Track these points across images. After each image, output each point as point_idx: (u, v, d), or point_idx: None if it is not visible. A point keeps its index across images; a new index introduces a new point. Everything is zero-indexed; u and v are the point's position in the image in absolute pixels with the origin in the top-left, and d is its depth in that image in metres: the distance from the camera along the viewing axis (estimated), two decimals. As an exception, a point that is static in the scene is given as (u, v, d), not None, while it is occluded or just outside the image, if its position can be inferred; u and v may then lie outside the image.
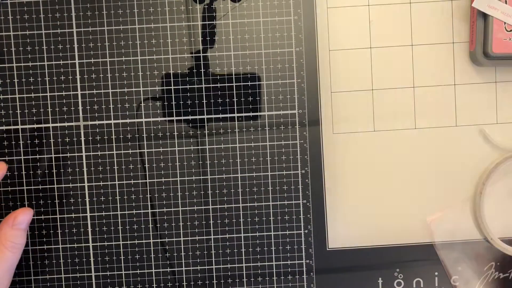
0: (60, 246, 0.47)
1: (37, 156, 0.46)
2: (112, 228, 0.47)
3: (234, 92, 0.47)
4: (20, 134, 0.46)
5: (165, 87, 0.47)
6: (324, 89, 0.47)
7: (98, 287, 0.47)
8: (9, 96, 0.46)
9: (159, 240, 0.47)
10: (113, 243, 0.47)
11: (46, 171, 0.46)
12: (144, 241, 0.47)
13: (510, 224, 0.48)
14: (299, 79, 0.46)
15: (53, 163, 0.46)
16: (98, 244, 0.47)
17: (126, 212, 0.47)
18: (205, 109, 0.47)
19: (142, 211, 0.47)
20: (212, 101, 0.47)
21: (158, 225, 0.47)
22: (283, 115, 0.47)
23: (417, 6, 0.47)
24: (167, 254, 0.47)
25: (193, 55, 0.46)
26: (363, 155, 0.48)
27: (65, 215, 0.47)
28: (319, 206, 0.47)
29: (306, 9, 0.46)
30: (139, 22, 0.45)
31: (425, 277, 0.48)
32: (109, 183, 0.47)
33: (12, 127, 0.46)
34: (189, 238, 0.47)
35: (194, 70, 0.47)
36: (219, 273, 0.47)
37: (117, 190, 0.47)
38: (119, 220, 0.47)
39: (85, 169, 0.47)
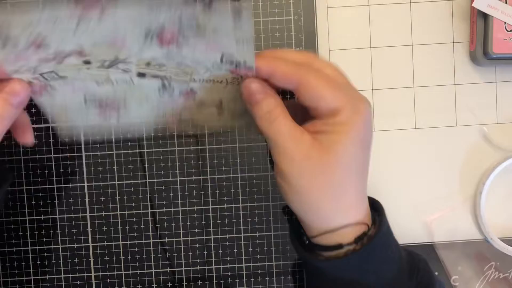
0: (60, 246, 0.47)
1: (37, 156, 0.46)
2: (112, 228, 0.47)
3: (234, 92, 0.47)
4: (20, 134, 0.46)
5: (165, 87, 0.46)
6: (324, 89, 0.47)
7: (98, 287, 0.47)
8: (9, 96, 0.46)
9: (159, 240, 0.47)
10: (113, 243, 0.47)
11: (46, 171, 0.46)
12: (144, 241, 0.47)
13: (510, 224, 0.48)
14: (299, 79, 0.46)
15: (53, 163, 0.46)
16: (98, 244, 0.47)
17: (126, 212, 0.47)
18: (205, 109, 0.47)
19: (142, 211, 0.47)
20: (212, 101, 0.47)
21: (158, 225, 0.47)
22: (283, 115, 0.47)
23: (417, 6, 0.47)
24: (167, 254, 0.47)
25: (193, 55, 0.47)
26: (363, 155, 0.48)
27: (65, 215, 0.47)
28: (319, 206, 0.47)
29: (306, 9, 0.46)
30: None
31: (425, 277, 0.48)
32: (109, 183, 0.47)
33: (12, 127, 0.46)
34: (189, 238, 0.47)
35: (194, 70, 0.47)
36: (219, 273, 0.47)
37: (117, 190, 0.47)
38: (119, 220, 0.47)
39: (85, 169, 0.47)
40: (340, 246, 0.34)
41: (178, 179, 0.47)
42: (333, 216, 0.34)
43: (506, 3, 0.43)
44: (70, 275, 0.47)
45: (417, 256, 0.38)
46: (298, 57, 0.35)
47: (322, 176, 0.33)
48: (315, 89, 0.33)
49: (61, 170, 0.46)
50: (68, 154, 0.46)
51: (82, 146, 0.46)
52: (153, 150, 0.47)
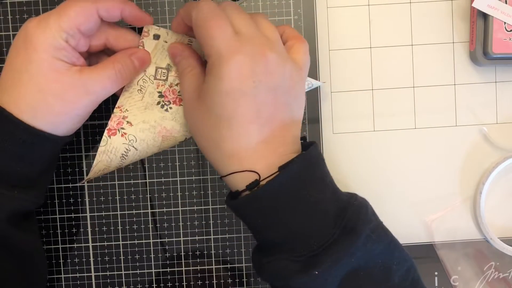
0: (60, 246, 0.47)
1: (37, 156, 0.46)
2: (112, 228, 0.47)
3: (234, 92, 0.47)
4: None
5: (165, 87, 0.47)
6: (324, 89, 0.47)
7: (98, 287, 0.47)
8: (9, 96, 0.46)
9: (159, 240, 0.47)
10: (113, 243, 0.47)
11: (46, 171, 0.46)
12: (144, 241, 0.47)
13: (510, 224, 0.48)
14: (299, 79, 0.46)
15: (53, 163, 0.46)
16: (98, 244, 0.47)
17: (126, 212, 0.47)
18: (205, 109, 0.47)
19: (142, 211, 0.47)
20: (212, 101, 0.47)
21: (158, 225, 0.47)
22: (283, 115, 0.47)
23: (417, 6, 0.47)
24: (167, 254, 0.47)
25: (193, 55, 0.47)
26: (363, 155, 0.48)
27: (65, 215, 0.47)
28: (319, 206, 0.47)
29: (306, 9, 0.46)
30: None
31: (425, 277, 0.48)
32: (109, 183, 0.47)
33: (12, 127, 0.46)
34: (189, 238, 0.47)
35: (194, 70, 0.47)
36: (219, 272, 0.47)
37: (117, 190, 0.47)
38: (119, 220, 0.47)
39: (84, 169, 0.47)
40: (237, 192, 0.37)
41: (178, 179, 0.47)
42: (219, 163, 0.37)
43: (506, 3, 0.43)
44: (70, 275, 0.47)
45: (352, 201, 0.37)
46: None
47: (201, 123, 0.37)
48: (202, 38, 0.36)
49: (61, 170, 0.46)
50: (68, 154, 0.46)
51: (82, 146, 0.46)
52: (153, 150, 0.47)
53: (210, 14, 0.36)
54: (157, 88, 0.42)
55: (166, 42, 0.42)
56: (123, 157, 0.42)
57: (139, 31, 0.43)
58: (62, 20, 0.37)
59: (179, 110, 0.42)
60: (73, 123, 0.39)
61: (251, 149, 0.36)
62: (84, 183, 0.44)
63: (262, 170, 0.36)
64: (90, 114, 0.40)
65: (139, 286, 0.47)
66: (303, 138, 0.40)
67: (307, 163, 0.36)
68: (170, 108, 0.42)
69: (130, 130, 0.41)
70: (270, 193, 0.35)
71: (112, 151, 0.41)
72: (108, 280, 0.47)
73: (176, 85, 0.42)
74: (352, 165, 0.48)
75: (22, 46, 0.37)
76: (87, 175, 0.47)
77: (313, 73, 0.46)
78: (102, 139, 0.41)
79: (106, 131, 0.41)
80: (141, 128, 0.41)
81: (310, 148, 0.37)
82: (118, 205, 0.47)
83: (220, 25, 0.35)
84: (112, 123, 0.41)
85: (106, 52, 0.42)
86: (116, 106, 0.42)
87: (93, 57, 0.42)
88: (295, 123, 0.38)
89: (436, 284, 0.48)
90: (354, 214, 0.36)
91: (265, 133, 0.36)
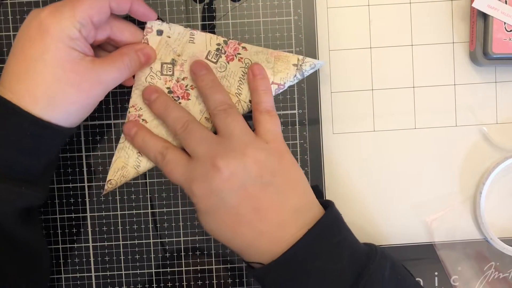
0: (60, 246, 0.47)
1: (37, 156, 0.46)
2: (112, 228, 0.47)
3: (234, 92, 0.47)
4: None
5: (165, 87, 0.47)
6: (324, 89, 0.47)
7: (98, 287, 0.47)
8: (9, 96, 0.46)
9: (159, 240, 0.47)
10: (113, 243, 0.47)
11: (46, 171, 0.46)
12: (144, 241, 0.47)
13: (510, 224, 0.48)
14: (299, 79, 0.46)
15: (53, 163, 0.46)
16: (98, 244, 0.47)
17: (126, 212, 0.47)
18: (205, 109, 0.47)
19: (142, 211, 0.47)
20: (212, 101, 0.47)
21: (158, 225, 0.47)
22: (283, 115, 0.47)
23: (417, 6, 0.47)
24: (167, 254, 0.47)
25: (193, 55, 0.47)
26: (363, 155, 0.48)
27: (65, 215, 0.47)
28: (319, 206, 0.47)
29: (306, 9, 0.46)
30: (139, 23, 0.45)
31: (425, 277, 0.48)
32: (109, 183, 0.47)
33: (12, 127, 0.46)
34: (189, 238, 0.47)
35: (194, 70, 0.47)
36: (219, 273, 0.47)
37: (117, 190, 0.47)
38: (119, 220, 0.47)
39: (85, 169, 0.47)
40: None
41: (178, 179, 0.47)
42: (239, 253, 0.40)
43: (506, 3, 0.43)
44: (70, 275, 0.47)
45: (369, 264, 0.38)
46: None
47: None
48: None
49: (61, 170, 0.46)
50: (68, 154, 0.46)
51: (83, 146, 0.46)
52: (153, 150, 0.47)
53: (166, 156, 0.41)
54: (165, 84, 0.44)
55: (169, 37, 0.44)
56: (139, 153, 0.44)
57: (138, 24, 0.44)
58: (76, 10, 0.37)
59: (187, 104, 0.44)
60: (84, 112, 0.40)
61: (254, 243, 0.38)
62: (106, 189, 0.45)
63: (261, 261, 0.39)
64: (96, 105, 0.40)
65: (139, 286, 0.47)
66: (314, 187, 0.42)
67: (316, 233, 0.38)
68: (180, 103, 0.44)
69: (145, 126, 0.44)
70: (278, 271, 0.37)
71: (129, 146, 0.44)
72: (108, 280, 0.47)
73: (183, 79, 0.44)
74: (352, 165, 0.48)
75: (37, 36, 0.37)
76: (87, 175, 0.47)
77: (313, 73, 0.46)
78: (121, 136, 0.44)
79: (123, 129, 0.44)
80: (156, 124, 0.44)
81: (319, 221, 0.38)
82: (118, 205, 0.47)
83: (175, 161, 0.40)
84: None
85: (103, 47, 0.43)
86: (130, 105, 0.44)
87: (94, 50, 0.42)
88: (293, 193, 0.40)
89: (436, 284, 0.48)
90: (368, 283, 0.37)
91: (258, 225, 0.38)
